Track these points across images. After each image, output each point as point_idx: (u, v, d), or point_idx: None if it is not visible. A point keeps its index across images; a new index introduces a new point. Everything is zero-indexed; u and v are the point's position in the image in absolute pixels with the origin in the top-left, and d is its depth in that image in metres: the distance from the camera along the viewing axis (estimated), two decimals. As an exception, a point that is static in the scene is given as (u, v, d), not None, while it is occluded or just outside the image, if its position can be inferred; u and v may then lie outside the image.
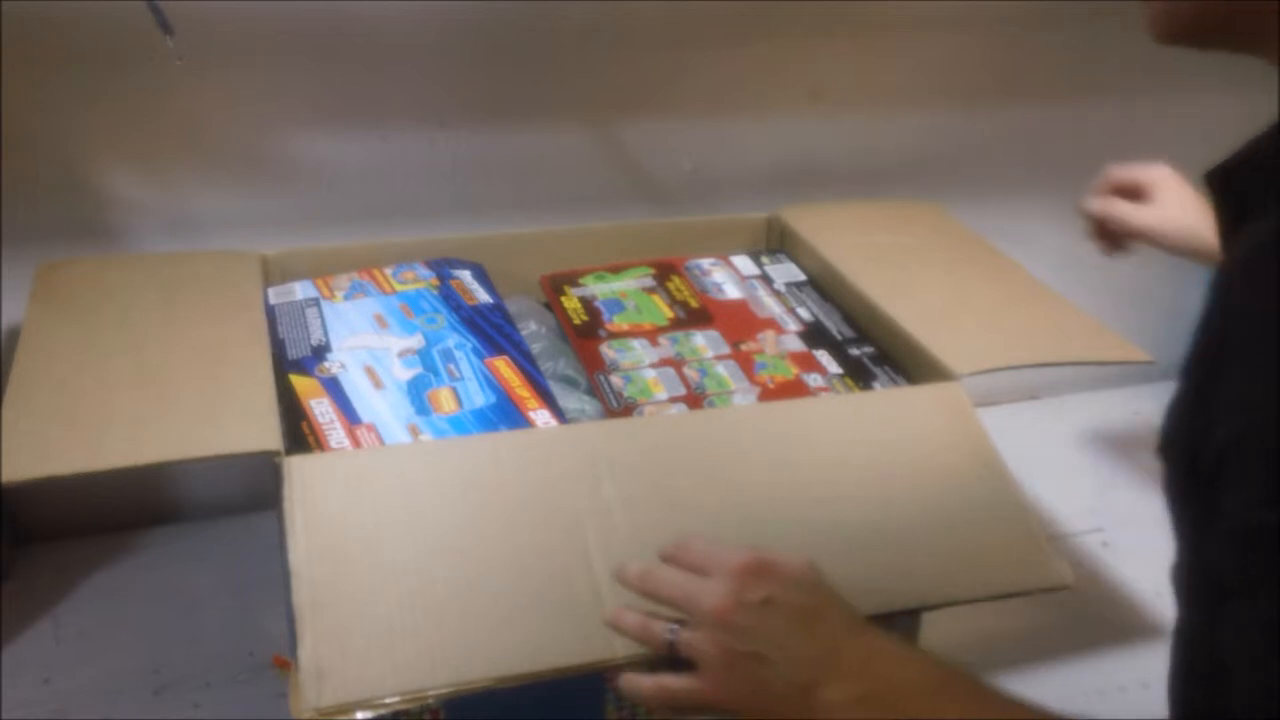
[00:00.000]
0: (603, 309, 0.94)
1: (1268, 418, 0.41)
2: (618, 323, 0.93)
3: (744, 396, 0.85)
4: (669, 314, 0.94)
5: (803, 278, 1.01)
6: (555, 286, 0.98)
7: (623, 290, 0.97)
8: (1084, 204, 0.95)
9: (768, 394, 0.85)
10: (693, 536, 0.63)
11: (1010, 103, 1.18)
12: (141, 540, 1.05)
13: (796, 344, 0.91)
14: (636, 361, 0.88)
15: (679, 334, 0.91)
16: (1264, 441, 0.41)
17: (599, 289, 0.97)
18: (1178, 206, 0.90)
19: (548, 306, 0.97)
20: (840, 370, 0.88)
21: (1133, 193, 0.93)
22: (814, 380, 0.87)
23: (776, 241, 1.07)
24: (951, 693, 0.53)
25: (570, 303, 0.95)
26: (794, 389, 0.86)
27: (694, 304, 0.96)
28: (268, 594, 0.96)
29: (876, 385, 0.87)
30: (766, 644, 0.55)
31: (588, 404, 0.84)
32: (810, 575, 0.59)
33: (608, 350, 0.89)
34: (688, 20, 1.05)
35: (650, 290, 0.98)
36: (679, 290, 0.97)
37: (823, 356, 0.90)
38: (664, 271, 1.00)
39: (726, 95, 1.11)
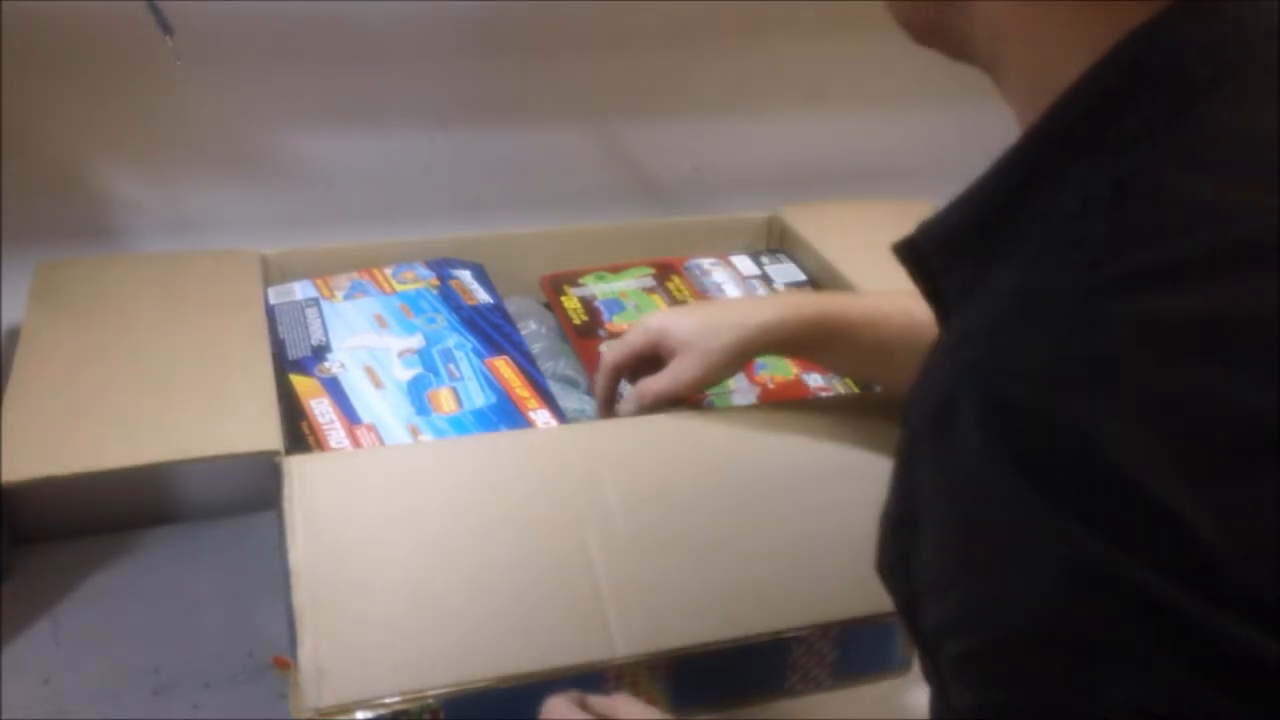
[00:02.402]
0: (603, 309, 0.94)
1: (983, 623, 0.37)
2: (617, 323, 0.93)
3: (744, 396, 0.85)
4: None
5: (803, 278, 1.01)
6: (555, 286, 0.97)
7: (623, 290, 0.97)
8: (619, 411, 0.78)
9: (768, 394, 0.85)
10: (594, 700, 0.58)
11: (1006, 104, 1.18)
12: (141, 540, 1.05)
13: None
14: None
15: None
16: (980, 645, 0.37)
17: (599, 289, 0.97)
18: (704, 349, 0.74)
19: (548, 306, 0.97)
20: (840, 370, 0.88)
21: (650, 364, 0.77)
22: (814, 380, 0.87)
23: (777, 241, 1.07)
24: None
25: (570, 303, 0.95)
26: (794, 389, 0.86)
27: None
28: (267, 595, 0.96)
29: (876, 385, 0.87)
30: None
31: (588, 404, 0.84)
32: None
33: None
34: (688, 20, 1.05)
35: (650, 290, 0.97)
36: (679, 290, 0.97)
37: (823, 356, 0.90)
38: (664, 271, 1.00)
39: (726, 95, 1.11)
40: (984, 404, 0.36)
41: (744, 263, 1.02)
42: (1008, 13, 0.43)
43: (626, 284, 0.98)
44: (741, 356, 0.75)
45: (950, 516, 0.38)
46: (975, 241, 0.43)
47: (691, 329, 0.75)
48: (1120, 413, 0.34)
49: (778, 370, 0.87)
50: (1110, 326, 0.35)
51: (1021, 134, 0.42)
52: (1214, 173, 0.37)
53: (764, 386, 0.86)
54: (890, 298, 0.73)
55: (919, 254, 0.45)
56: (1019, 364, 0.36)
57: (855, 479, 0.73)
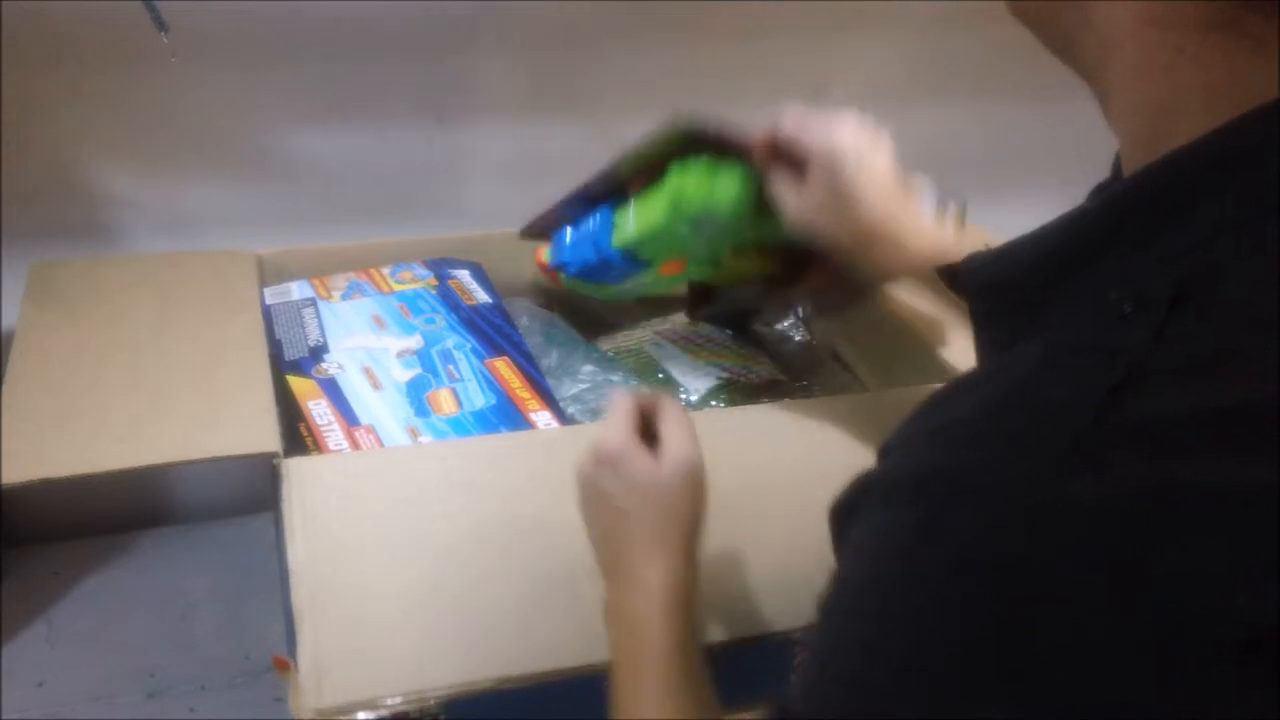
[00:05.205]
0: None
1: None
2: None
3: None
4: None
5: None
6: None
7: None
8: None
9: (769, 394, 0.85)
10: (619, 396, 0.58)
11: (1012, 102, 1.18)
12: (137, 543, 1.04)
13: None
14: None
15: None
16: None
17: None
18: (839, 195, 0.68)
19: (547, 308, 0.97)
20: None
21: (794, 164, 0.70)
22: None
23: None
24: (658, 673, 0.51)
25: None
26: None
27: None
28: (263, 597, 0.95)
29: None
30: (588, 514, 0.57)
31: (585, 388, 0.83)
32: (656, 482, 0.54)
33: None
34: (688, 20, 1.05)
35: None
36: None
37: (823, 357, 0.90)
38: None
39: (726, 94, 1.11)
40: (931, 517, 0.33)
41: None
42: (1126, 25, 0.35)
43: None
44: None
45: (859, 583, 0.37)
46: (1025, 299, 0.38)
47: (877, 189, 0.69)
48: (1096, 591, 0.30)
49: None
50: (1107, 476, 0.31)
51: (1107, 194, 0.36)
52: (1270, 296, 0.31)
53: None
54: None
55: (959, 285, 0.42)
56: (994, 490, 0.32)
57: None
